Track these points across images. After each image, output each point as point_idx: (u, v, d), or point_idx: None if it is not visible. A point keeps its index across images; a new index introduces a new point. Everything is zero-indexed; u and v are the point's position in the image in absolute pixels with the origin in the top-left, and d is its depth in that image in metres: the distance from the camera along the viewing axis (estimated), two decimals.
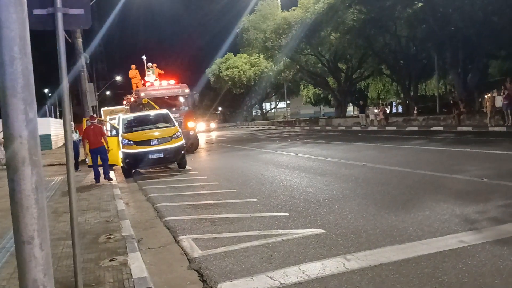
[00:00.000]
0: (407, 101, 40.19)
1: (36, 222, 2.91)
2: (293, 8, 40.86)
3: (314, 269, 4.91)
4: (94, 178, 13.30)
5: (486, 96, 24.78)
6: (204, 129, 50.43)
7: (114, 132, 15.71)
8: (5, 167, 14.19)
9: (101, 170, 13.50)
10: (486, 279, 4.31)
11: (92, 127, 13.37)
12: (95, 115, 15.27)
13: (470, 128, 23.73)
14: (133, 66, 25.74)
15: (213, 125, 53.08)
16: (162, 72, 25.85)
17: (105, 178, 13.43)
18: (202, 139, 32.68)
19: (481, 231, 5.78)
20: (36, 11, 4.04)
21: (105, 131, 13.99)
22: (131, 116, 16.86)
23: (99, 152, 13.28)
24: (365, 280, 4.50)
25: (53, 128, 34.16)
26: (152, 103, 20.22)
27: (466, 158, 12.64)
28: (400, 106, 56.85)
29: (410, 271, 4.63)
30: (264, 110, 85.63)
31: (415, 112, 34.89)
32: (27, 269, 2.90)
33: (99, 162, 13.41)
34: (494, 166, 10.85)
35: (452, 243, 5.38)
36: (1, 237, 7.02)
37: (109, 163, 13.86)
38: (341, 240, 5.85)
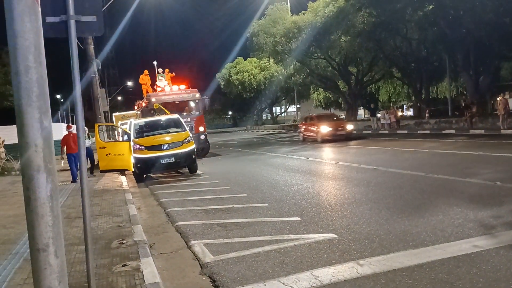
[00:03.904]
0: (419, 104, 39.94)
1: (51, 230, 2.93)
2: (303, 12, 40.84)
3: (326, 274, 4.89)
4: (72, 175, 15.11)
5: (498, 99, 24.58)
6: (331, 133, 26.06)
7: (125, 137, 15.82)
8: (18, 172, 14.44)
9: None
10: (501, 285, 4.26)
11: (71, 135, 15.40)
12: (71, 124, 17.14)
13: (482, 131, 23.50)
14: (145, 71, 25.91)
15: (350, 126, 28.00)
16: (173, 74, 25.99)
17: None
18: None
19: (496, 235, 5.72)
20: (49, 19, 4.07)
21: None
22: (142, 121, 16.94)
23: (76, 157, 14.65)
24: (378, 285, 4.47)
25: (65, 133, 34.41)
26: (163, 108, 20.31)
27: (479, 161, 12.53)
28: (411, 109, 56.49)
29: (424, 276, 4.59)
30: (274, 114, 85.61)
31: (426, 115, 34.69)
32: (42, 277, 2.92)
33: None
34: (507, 169, 10.74)
35: (466, 248, 5.33)
36: (15, 242, 7.08)
37: (121, 168, 15.22)
38: (354, 245, 5.82)
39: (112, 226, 7.89)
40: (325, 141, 25.49)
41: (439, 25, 30.91)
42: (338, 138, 25.63)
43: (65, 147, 15.32)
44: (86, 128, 16.64)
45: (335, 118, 29.69)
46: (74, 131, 15.65)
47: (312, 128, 27.53)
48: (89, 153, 17.06)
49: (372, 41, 35.79)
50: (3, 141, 20.63)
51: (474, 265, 4.78)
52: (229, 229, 7.33)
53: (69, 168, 15.56)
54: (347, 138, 26.06)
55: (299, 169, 14.24)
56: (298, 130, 30.84)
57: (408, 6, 31.01)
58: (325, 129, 26.01)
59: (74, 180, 14.86)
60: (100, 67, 20.56)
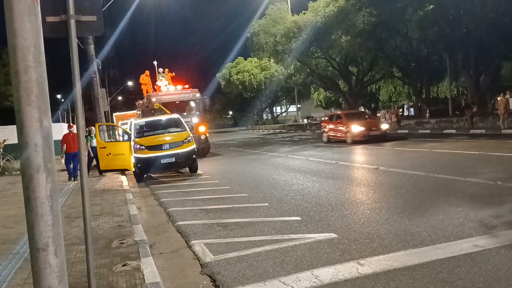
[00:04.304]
0: (419, 104, 39.92)
1: (51, 229, 2.93)
2: (303, 12, 40.83)
3: (327, 274, 4.88)
4: (68, 174, 15.53)
5: (498, 98, 24.57)
6: (363, 133, 22.97)
7: (126, 137, 15.83)
8: (18, 172, 14.46)
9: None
10: (501, 284, 4.26)
11: (71, 134, 15.53)
12: (72, 124, 17.61)
13: (483, 131, 23.51)
14: (146, 71, 25.90)
15: (384, 125, 24.85)
16: (173, 74, 26.00)
17: (75, 179, 15.24)
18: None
19: (496, 235, 5.71)
20: (49, 19, 4.07)
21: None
22: (142, 121, 16.94)
23: (74, 156, 15.12)
24: (378, 285, 4.47)
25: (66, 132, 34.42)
26: (164, 108, 20.31)
27: (479, 161, 12.52)
28: (412, 109, 56.46)
29: (424, 276, 4.59)
30: (274, 114, 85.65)
31: (427, 114, 34.66)
32: (42, 276, 2.92)
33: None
34: (508, 168, 10.74)
35: (467, 247, 5.32)
36: (15, 242, 7.07)
37: (121, 168, 15.24)
38: (354, 245, 5.81)
39: (112, 226, 7.89)
40: (356, 142, 22.48)
41: (439, 24, 30.90)
42: (371, 139, 22.32)
43: (64, 146, 15.41)
44: (93, 128, 16.86)
45: (366, 116, 26.79)
46: (75, 131, 15.77)
47: (340, 128, 24.32)
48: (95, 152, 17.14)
49: (372, 41, 35.75)
50: (4, 141, 20.63)
51: (475, 264, 4.78)
52: (229, 228, 7.33)
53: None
54: (381, 139, 22.58)
55: (300, 169, 14.24)
56: (322, 130, 27.38)
57: (408, 5, 30.99)
58: (356, 128, 22.76)
59: (70, 176, 15.32)
60: (100, 67, 20.57)
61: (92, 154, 16.34)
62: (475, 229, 6.03)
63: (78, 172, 15.02)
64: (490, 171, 10.43)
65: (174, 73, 26.22)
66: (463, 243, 5.50)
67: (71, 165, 15.39)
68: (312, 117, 78.26)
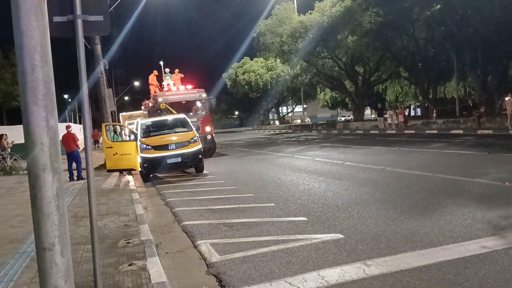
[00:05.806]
0: (426, 104, 39.78)
1: (57, 229, 2.92)
2: (309, 12, 40.83)
3: (333, 275, 4.86)
4: (69, 177, 15.61)
5: (506, 99, 24.39)
6: None
7: (132, 137, 15.87)
8: (26, 172, 14.54)
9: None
10: (510, 285, 4.22)
11: (67, 134, 15.78)
12: (70, 124, 17.88)
13: (490, 131, 23.36)
14: (155, 71, 25.93)
15: None
16: (182, 75, 26.03)
17: (77, 179, 15.48)
18: None
19: (504, 236, 5.66)
20: (56, 19, 4.08)
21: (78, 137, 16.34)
22: (149, 121, 16.97)
23: (72, 155, 15.64)
24: (385, 286, 4.44)
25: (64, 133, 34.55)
26: (170, 108, 20.33)
27: (487, 162, 12.44)
28: (418, 109, 56.26)
29: (432, 277, 4.56)
30: (280, 114, 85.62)
31: (434, 115, 34.49)
32: (48, 276, 2.92)
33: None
34: None
35: (474, 248, 5.28)
36: (22, 241, 7.10)
37: (128, 167, 15.12)
38: (361, 246, 5.78)
39: (119, 226, 7.91)
40: None
41: (446, 24, 30.77)
42: None
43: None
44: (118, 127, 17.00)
45: None
46: (72, 131, 16.27)
47: None
48: None
49: (379, 41, 35.68)
50: (12, 141, 20.76)
51: (483, 266, 4.74)
52: (235, 229, 7.32)
53: (75, 167, 15.72)
54: None
55: (306, 169, 14.21)
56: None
57: (415, 5, 30.90)
58: None
59: (71, 177, 15.61)
60: (107, 67, 20.62)
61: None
62: (483, 230, 5.98)
63: (83, 171, 15.15)
64: (498, 172, 10.35)
65: (183, 75, 26.23)
66: (470, 244, 5.46)
67: (73, 165, 15.63)
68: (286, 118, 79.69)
